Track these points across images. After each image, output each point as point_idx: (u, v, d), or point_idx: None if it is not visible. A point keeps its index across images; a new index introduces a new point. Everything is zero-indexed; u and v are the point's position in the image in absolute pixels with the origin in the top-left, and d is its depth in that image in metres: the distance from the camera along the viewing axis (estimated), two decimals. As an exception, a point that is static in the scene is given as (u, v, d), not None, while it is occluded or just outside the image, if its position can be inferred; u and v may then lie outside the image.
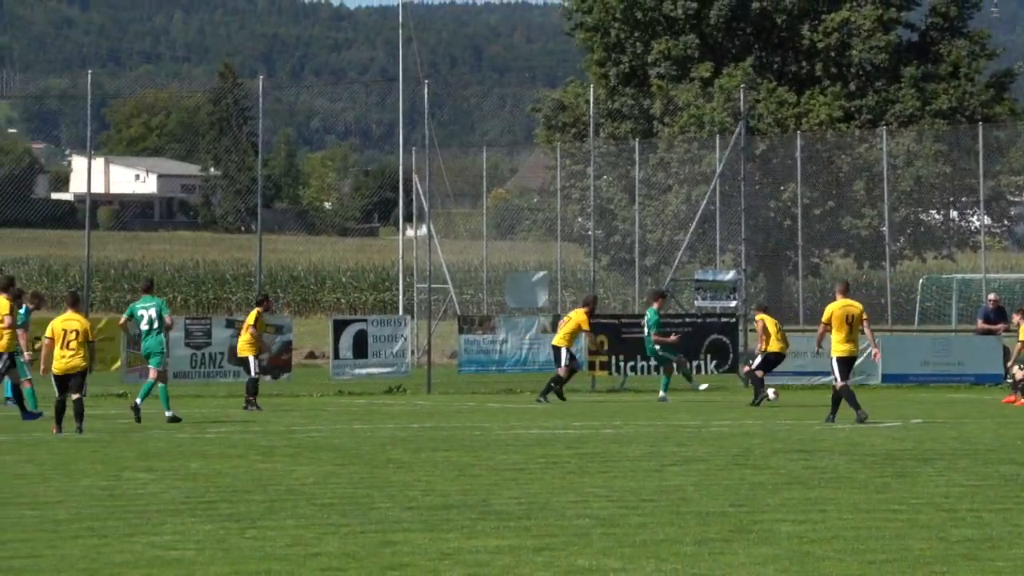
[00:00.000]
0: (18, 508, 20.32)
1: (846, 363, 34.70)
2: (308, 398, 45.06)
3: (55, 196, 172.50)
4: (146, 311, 36.07)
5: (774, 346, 41.93)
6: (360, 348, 48.89)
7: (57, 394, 32.45)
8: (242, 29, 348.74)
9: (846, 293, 35.61)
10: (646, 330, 44.79)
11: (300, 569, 15.77)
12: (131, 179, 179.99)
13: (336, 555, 16.52)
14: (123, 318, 37.85)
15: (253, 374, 39.84)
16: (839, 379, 34.61)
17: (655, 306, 44.98)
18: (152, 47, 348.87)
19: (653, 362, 46.81)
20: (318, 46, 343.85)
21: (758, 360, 42.46)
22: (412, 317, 56.37)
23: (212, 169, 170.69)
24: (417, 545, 17.06)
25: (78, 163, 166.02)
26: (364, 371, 48.83)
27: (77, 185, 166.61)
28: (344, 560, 16.24)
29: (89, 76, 51.98)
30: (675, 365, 44.77)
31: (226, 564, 16.03)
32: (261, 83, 55.69)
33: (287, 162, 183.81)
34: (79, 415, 32.13)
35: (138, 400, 35.75)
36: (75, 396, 32.31)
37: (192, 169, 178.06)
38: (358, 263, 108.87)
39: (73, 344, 32.48)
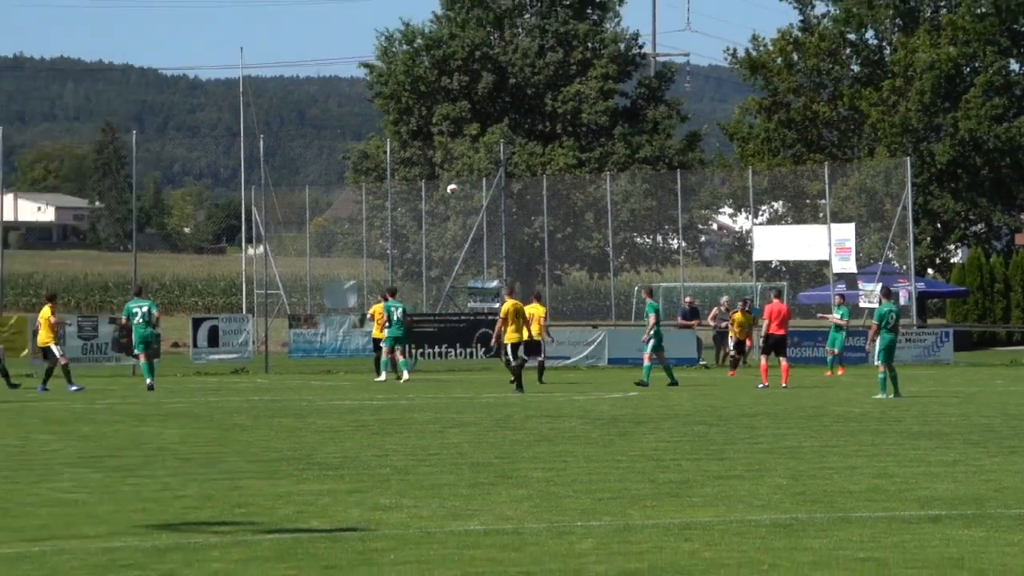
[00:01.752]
0: (-52, 464, 19.94)
1: (516, 347, 35.53)
2: (173, 377, 44.55)
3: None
4: (139, 308, 37.33)
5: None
6: (213, 339, 48.47)
7: None
8: (119, 95, 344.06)
9: (539, 299, 39.77)
10: (393, 319, 41.44)
11: (168, 507, 15.63)
12: (34, 210, 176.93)
13: (196, 497, 16.39)
14: (123, 318, 38.52)
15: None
16: (512, 358, 35.61)
17: (392, 299, 42.63)
18: (50, 109, 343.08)
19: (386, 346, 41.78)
20: (178, 109, 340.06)
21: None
22: (253, 315, 55.96)
23: (97, 202, 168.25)
24: (258, 489, 16.97)
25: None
26: (216, 357, 48.40)
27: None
28: (202, 500, 16.13)
29: (0, 131, 51.08)
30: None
31: (112, 504, 15.84)
32: (134, 137, 55.03)
33: (155, 197, 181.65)
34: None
35: (149, 380, 36.62)
36: None
37: (82, 202, 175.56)
38: (211, 274, 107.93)
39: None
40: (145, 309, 37.63)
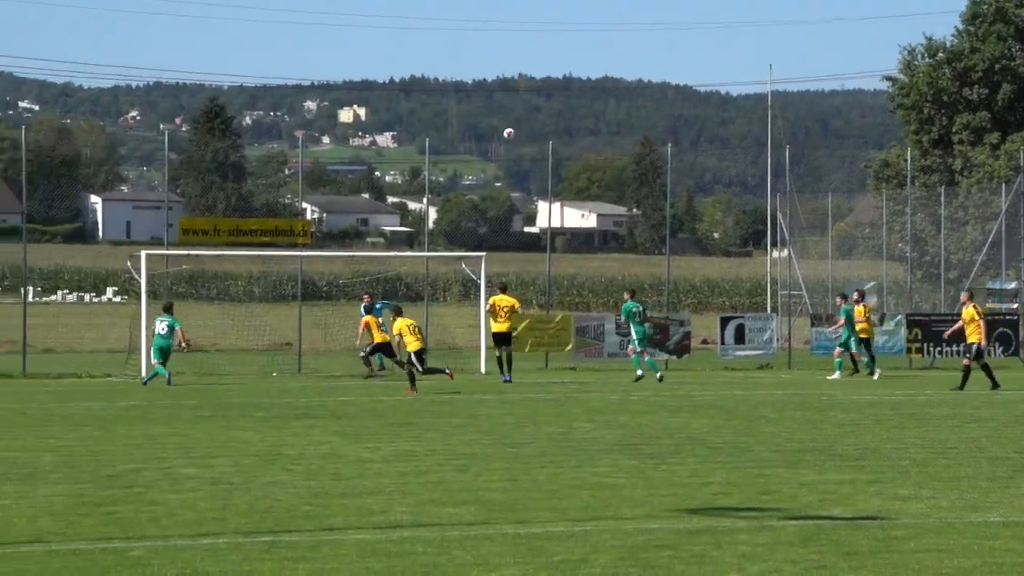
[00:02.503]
0: (502, 446, 20.58)
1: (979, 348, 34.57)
2: (702, 372, 44.86)
3: (526, 229, 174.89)
4: (636, 310, 38.71)
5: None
6: (739, 336, 48.50)
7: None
8: (657, 111, 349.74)
9: None
10: (848, 322, 41.27)
11: (697, 493, 15.68)
12: (578, 217, 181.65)
13: (723, 483, 16.39)
14: (623, 318, 39.52)
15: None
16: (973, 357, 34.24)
17: (847, 304, 41.82)
18: (593, 124, 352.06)
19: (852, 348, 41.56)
20: (710, 122, 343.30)
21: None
22: (777, 314, 55.72)
23: (634, 209, 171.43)
24: (782, 478, 16.84)
25: (542, 206, 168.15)
26: (742, 353, 48.41)
27: (541, 221, 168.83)
28: (729, 487, 16.11)
29: (550, 145, 52.51)
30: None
31: (645, 489, 16.01)
32: (669, 149, 55.62)
33: (687, 204, 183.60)
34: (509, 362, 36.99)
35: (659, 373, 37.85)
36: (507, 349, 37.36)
37: (620, 209, 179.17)
38: (737, 275, 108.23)
39: (503, 315, 37.51)
40: (638, 310, 38.93)
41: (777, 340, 50.21)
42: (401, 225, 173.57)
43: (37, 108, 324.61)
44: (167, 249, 45.41)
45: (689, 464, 18.15)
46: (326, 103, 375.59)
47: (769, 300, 65.97)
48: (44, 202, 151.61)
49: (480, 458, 18.94)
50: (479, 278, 42.84)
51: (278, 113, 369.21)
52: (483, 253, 46.00)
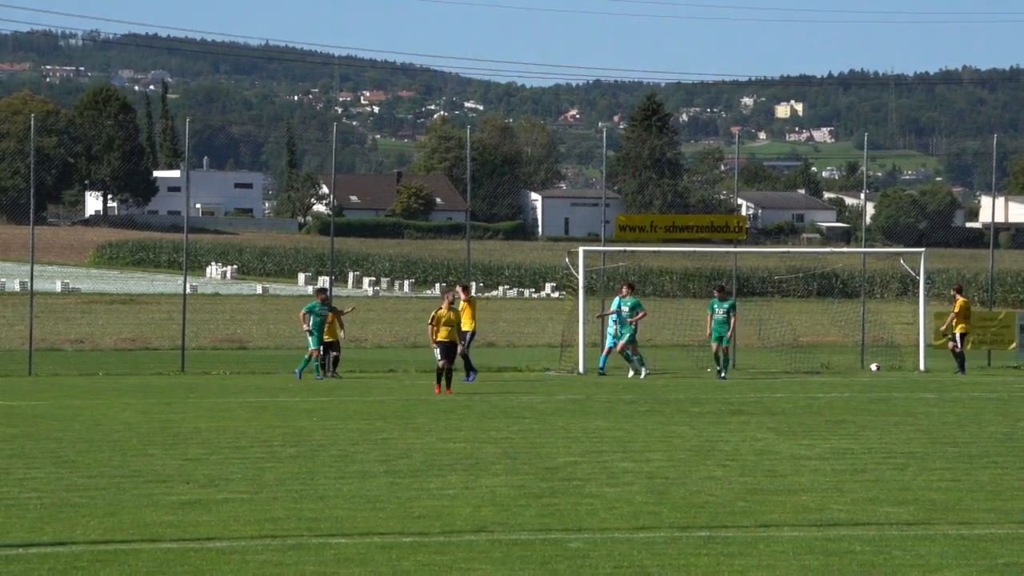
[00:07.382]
0: (942, 445, 20.06)
1: None
2: None
3: (968, 225, 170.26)
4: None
5: None
6: None
7: None
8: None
9: None
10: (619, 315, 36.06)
11: None
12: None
13: None
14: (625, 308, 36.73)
15: None
16: None
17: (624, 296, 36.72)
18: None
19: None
20: None
21: None
22: None
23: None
24: None
25: (985, 201, 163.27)
26: None
27: (984, 217, 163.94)
28: None
29: (995, 138, 50.91)
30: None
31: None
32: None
33: None
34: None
35: None
36: None
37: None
38: None
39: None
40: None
41: None
42: (837, 221, 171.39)
43: (482, 108, 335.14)
44: (604, 246, 46.08)
45: None
46: (763, 99, 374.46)
47: None
48: (487, 200, 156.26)
49: (919, 457, 18.54)
50: (918, 275, 41.94)
51: (714, 109, 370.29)
52: (922, 249, 44.95)
